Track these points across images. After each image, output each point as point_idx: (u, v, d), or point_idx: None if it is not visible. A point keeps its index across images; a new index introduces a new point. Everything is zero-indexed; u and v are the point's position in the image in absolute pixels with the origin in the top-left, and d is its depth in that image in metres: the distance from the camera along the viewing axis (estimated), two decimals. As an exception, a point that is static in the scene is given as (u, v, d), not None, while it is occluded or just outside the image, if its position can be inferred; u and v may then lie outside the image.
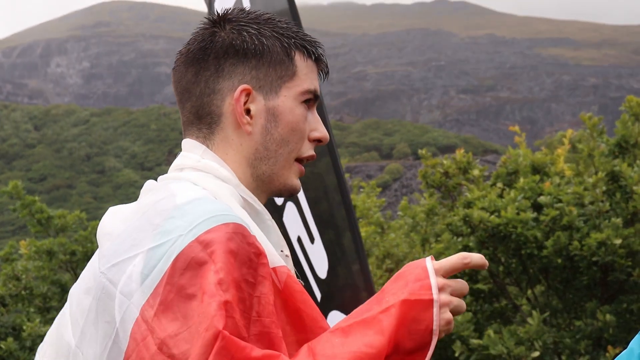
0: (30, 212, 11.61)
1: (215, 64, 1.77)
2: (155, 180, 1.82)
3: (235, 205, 1.70)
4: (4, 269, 11.47)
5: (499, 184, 8.66)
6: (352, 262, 3.55)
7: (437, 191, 9.27)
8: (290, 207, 3.59)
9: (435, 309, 1.58)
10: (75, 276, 11.49)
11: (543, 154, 9.15)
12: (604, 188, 7.95)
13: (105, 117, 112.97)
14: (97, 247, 1.75)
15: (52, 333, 1.80)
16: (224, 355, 1.46)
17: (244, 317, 1.52)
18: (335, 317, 3.42)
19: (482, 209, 8.02)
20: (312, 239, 3.54)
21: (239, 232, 1.57)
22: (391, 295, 1.60)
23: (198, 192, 1.68)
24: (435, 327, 1.58)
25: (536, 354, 7.39)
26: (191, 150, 1.80)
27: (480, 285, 8.80)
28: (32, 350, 10.58)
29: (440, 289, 1.60)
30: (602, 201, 7.91)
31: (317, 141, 1.85)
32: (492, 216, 7.90)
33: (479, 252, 8.23)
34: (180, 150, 1.85)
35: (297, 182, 1.84)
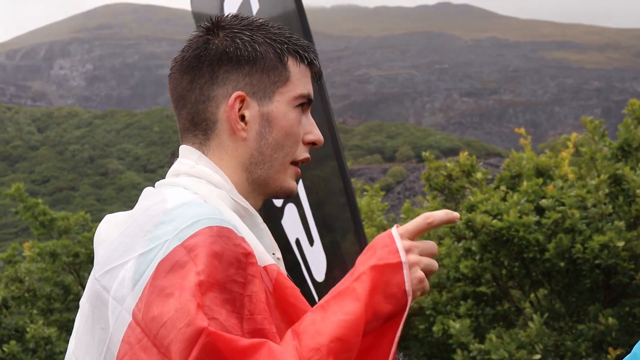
0: (33, 214, 11.62)
1: (209, 71, 1.80)
2: (153, 186, 1.85)
3: (225, 209, 1.72)
4: (7, 271, 11.49)
5: (503, 187, 8.66)
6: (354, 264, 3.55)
7: (440, 194, 9.27)
8: (290, 209, 3.59)
9: (405, 270, 1.62)
10: (79, 278, 11.50)
11: (547, 157, 9.15)
12: (607, 191, 7.95)
13: (108, 119, 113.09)
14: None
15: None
16: (210, 350, 1.48)
17: (234, 316, 1.54)
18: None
19: (485, 212, 8.02)
20: (311, 242, 3.54)
21: (223, 235, 1.59)
22: (362, 265, 1.64)
23: (187, 197, 1.70)
24: (407, 287, 1.61)
25: (537, 357, 7.39)
26: (186, 156, 1.82)
27: (483, 289, 8.80)
28: (36, 352, 10.59)
29: (408, 251, 1.64)
30: (605, 204, 7.91)
31: (312, 144, 1.87)
32: (495, 220, 7.90)
33: (482, 256, 8.23)
34: (178, 156, 1.88)
35: (293, 185, 1.85)
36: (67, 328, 11.31)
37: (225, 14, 1.87)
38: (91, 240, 11.31)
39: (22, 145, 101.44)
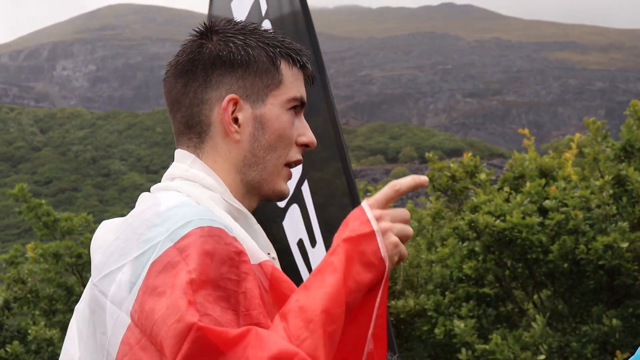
0: (37, 215, 11.61)
1: (203, 74, 1.83)
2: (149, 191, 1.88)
3: (218, 210, 1.75)
4: (10, 272, 11.48)
5: (506, 188, 8.64)
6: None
7: (443, 195, 9.26)
8: (294, 209, 3.58)
9: (379, 237, 1.63)
10: (82, 279, 11.50)
11: (550, 157, 9.14)
12: (611, 192, 7.93)
13: (111, 120, 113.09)
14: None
15: (64, 346, 1.88)
16: (200, 344, 1.50)
17: (230, 313, 1.58)
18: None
19: (488, 213, 8.01)
20: (313, 243, 3.53)
21: (214, 235, 1.62)
22: (336, 239, 1.66)
23: (180, 199, 1.74)
24: (383, 253, 1.63)
25: (542, 357, 7.38)
26: (181, 160, 1.86)
27: (486, 290, 8.79)
28: (38, 353, 10.57)
29: (379, 219, 1.65)
30: (609, 205, 7.90)
31: (305, 146, 1.90)
32: (498, 221, 7.89)
33: (485, 256, 8.22)
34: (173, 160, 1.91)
35: (285, 187, 1.89)
36: (69, 329, 11.31)
37: (219, 19, 1.90)
38: (94, 241, 11.32)
39: (25, 146, 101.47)
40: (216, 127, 1.83)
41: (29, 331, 10.67)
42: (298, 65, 1.88)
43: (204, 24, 1.89)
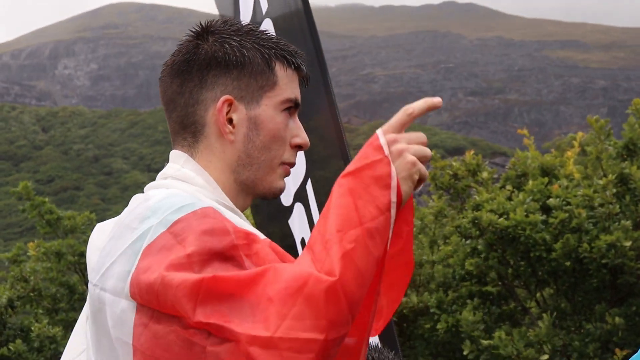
0: (40, 213, 11.61)
1: (198, 75, 1.85)
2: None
3: (208, 200, 1.78)
4: (12, 270, 11.49)
5: (508, 187, 8.64)
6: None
7: (446, 193, 9.26)
8: (298, 208, 3.57)
9: (391, 158, 1.63)
10: (84, 277, 11.50)
11: (552, 156, 9.13)
12: (614, 190, 7.93)
13: (113, 118, 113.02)
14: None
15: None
16: (213, 296, 1.53)
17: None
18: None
19: (491, 211, 8.01)
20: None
21: (209, 214, 1.66)
22: (352, 165, 1.66)
23: (168, 191, 1.78)
24: (393, 174, 1.62)
25: (545, 357, 7.38)
26: (174, 160, 1.89)
27: (489, 288, 8.79)
28: (41, 351, 10.59)
29: (393, 142, 1.65)
30: (612, 203, 7.89)
31: (298, 147, 1.92)
32: (501, 219, 7.89)
33: (488, 254, 8.22)
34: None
35: (281, 184, 1.91)
36: (72, 327, 11.31)
37: (215, 20, 1.92)
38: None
39: (27, 144, 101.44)
40: (211, 127, 1.86)
41: (32, 329, 10.68)
42: (293, 67, 1.90)
43: (200, 24, 1.91)
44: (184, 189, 1.81)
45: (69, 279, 11.49)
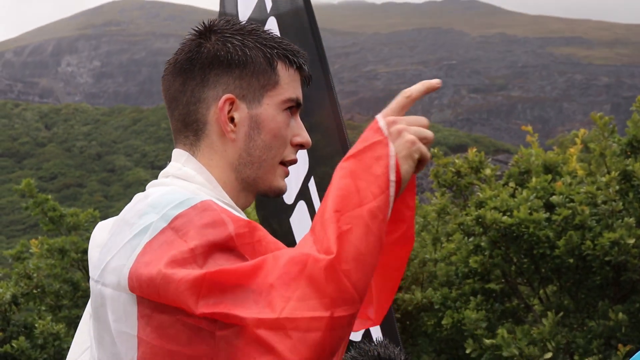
0: (43, 210, 11.62)
1: (200, 74, 1.87)
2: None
3: (207, 196, 1.78)
4: (16, 267, 11.49)
5: (511, 184, 8.64)
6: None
7: (448, 190, 9.26)
8: (301, 206, 3.57)
9: (384, 129, 1.66)
10: (87, 274, 11.50)
11: (555, 153, 9.13)
12: (617, 187, 7.92)
13: (116, 116, 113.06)
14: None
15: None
16: (218, 287, 1.54)
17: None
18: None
19: (494, 208, 8.00)
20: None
21: (209, 207, 1.68)
22: (354, 148, 1.69)
23: (167, 188, 1.80)
24: (392, 152, 1.64)
25: (549, 355, 7.37)
26: (176, 159, 1.91)
27: (492, 285, 8.78)
28: (44, 348, 10.59)
29: (392, 123, 1.68)
30: (615, 200, 7.88)
31: (300, 146, 1.94)
32: (505, 216, 7.88)
33: (491, 252, 8.22)
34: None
35: (282, 184, 1.93)
36: (75, 324, 11.32)
37: (218, 19, 1.93)
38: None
39: (30, 141, 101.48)
40: (212, 125, 1.87)
41: (36, 326, 10.69)
42: (295, 67, 1.91)
43: (203, 23, 1.92)
44: (185, 186, 1.82)
45: (72, 276, 11.50)
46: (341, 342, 1.57)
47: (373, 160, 1.63)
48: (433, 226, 10.20)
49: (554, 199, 7.95)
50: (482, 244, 8.19)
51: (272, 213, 3.94)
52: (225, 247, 1.62)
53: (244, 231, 1.65)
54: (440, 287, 9.22)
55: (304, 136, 1.94)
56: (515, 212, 7.85)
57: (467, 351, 7.78)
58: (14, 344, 10.46)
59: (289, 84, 1.90)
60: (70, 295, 11.46)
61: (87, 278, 11.34)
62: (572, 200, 8.00)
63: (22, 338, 10.52)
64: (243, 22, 1.93)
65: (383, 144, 1.65)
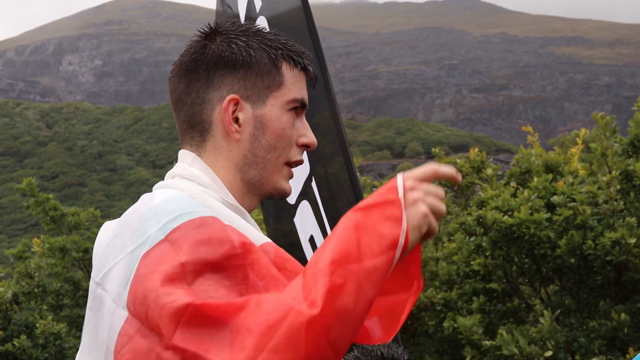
0: (44, 209, 11.63)
1: (205, 74, 1.87)
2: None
3: (213, 201, 1.79)
4: (17, 266, 11.50)
5: (513, 183, 8.63)
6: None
7: (450, 190, 9.25)
8: (304, 206, 3.57)
9: (403, 203, 1.59)
10: (88, 274, 11.51)
11: (556, 153, 9.12)
12: (618, 187, 7.91)
13: (117, 115, 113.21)
14: None
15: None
16: (197, 320, 1.52)
17: (235, 290, 1.60)
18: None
19: (496, 208, 8.00)
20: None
21: (207, 223, 1.66)
22: (364, 201, 1.64)
23: (173, 193, 1.78)
24: (404, 217, 1.58)
25: (549, 353, 7.37)
26: (182, 159, 1.91)
27: (493, 285, 8.78)
28: (45, 347, 10.59)
29: (411, 189, 1.63)
30: (616, 200, 7.88)
31: (305, 146, 1.93)
32: (506, 217, 7.87)
33: (493, 252, 8.21)
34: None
35: (287, 186, 1.92)
36: (76, 324, 11.33)
37: (223, 21, 1.93)
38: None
39: (31, 140, 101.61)
40: (217, 126, 1.86)
41: (37, 325, 10.69)
42: (299, 67, 1.91)
43: (209, 25, 1.92)
44: (190, 189, 1.82)
45: (73, 275, 11.51)
46: None
47: (382, 218, 1.58)
48: (434, 226, 10.20)
49: (555, 199, 7.95)
50: (484, 244, 8.19)
51: (274, 213, 3.94)
52: (217, 267, 1.61)
53: (237, 253, 1.63)
54: (442, 286, 9.22)
55: (310, 137, 1.93)
56: (516, 212, 7.85)
57: (467, 359, 7.78)
58: (15, 343, 10.46)
59: (294, 85, 1.89)
60: (71, 294, 11.46)
61: (89, 277, 11.36)
62: (573, 200, 8.00)
63: (23, 337, 10.53)
64: (248, 23, 1.93)
65: (396, 206, 1.59)
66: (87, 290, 11.29)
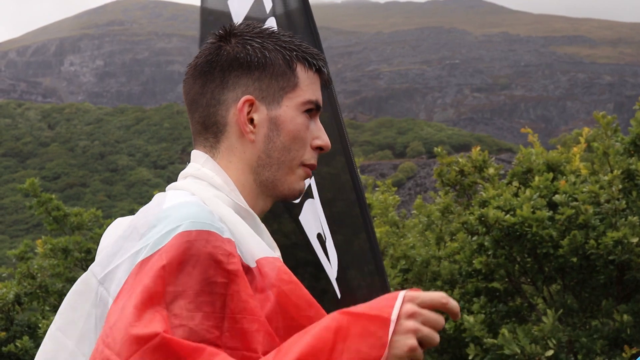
0: (47, 209, 11.63)
1: (220, 76, 1.87)
2: (164, 182, 1.96)
3: (222, 207, 1.78)
4: (19, 267, 11.51)
5: (515, 183, 8.63)
6: (366, 262, 3.53)
7: (452, 189, 9.26)
8: (310, 204, 3.57)
9: (391, 328, 1.50)
10: (90, 274, 11.52)
11: (558, 152, 9.12)
12: (620, 186, 7.91)
13: (119, 115, 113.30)
14: None
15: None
16: (158, 353, 1.49)
17: (213, 317, 1.59)
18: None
19: (498, 207, 8.00)
20: (326, 237, 3.53)
21: (202, 238, 1.64)
22: (357, 307, 1.55)
23: (183, 198, 1.77)
24: (389, 341, 1.49)
25: (550, 352, 7.36)
26: (196, 160, 1.90)
27: (495, 284, 8.78)
28: (47, 348, 10.59)
29: (411, 315, 1.53)
30: (618, 199, 7.87)
31: (320, 149, 1.93)
32: (508, 215, 7.88)
33: (495, 251, 8.21)
34: (189, 153, 1.96)
35: (301, 186, 1.91)
36: (79, 324, 11.34)
37: (239, 23, 1.95)
38: (103, 236, 11.34)
39: (33, 141, 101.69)
40: (232, 127, 1.87)
41: (39, 326, 10.70)
42: (314, 69, 1.91)
43: (224, 27, 1.92)
44: (202, 192, 1.81)
45: (75, 276, 11.50)
46: None
47: (366, 333, 1.49)
48: (437, 225, 10.20)
49: (557, 198, 7.95)
50: (486, 243, 8.19)
51: (274, 213, 3.94)
52: (199, 291, 1.59)
53: (220, 281, 1.61)
54: (444, 286, 9.22)
55: (324, 139, 1.93)
56: (518, 211, 7.85)
57: (470, 358, 7.77)
58: (17, 344, 10.48)
59: (309, 86, 1.90)
60: (74, 295, 11.46)
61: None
62: (575, 199, 8.00)
63: (25, 338, 10.54)
64: (263, 26, 1.94)
65: (385, 327, 1.49)
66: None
